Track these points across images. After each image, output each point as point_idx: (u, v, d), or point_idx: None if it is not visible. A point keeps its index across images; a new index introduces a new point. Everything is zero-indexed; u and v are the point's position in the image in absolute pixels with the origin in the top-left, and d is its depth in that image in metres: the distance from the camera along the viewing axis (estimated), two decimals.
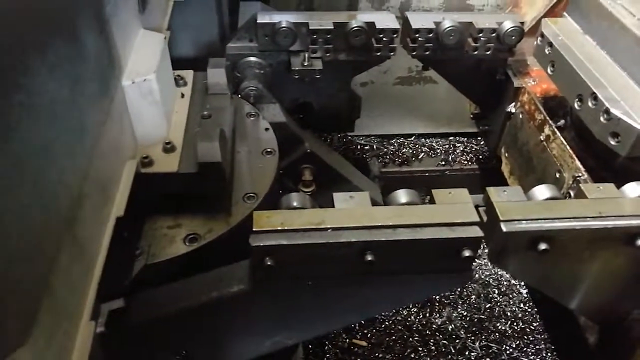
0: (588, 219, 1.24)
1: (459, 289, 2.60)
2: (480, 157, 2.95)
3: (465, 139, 3.08)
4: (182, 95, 1.67)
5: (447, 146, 3.00)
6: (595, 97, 1.54)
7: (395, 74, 2.87)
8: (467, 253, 1.20)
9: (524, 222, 1.23)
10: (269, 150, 1.77)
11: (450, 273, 1.27)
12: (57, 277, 0.87)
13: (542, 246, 1.23)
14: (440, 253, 1.22)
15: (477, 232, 1.20)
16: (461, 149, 2.99)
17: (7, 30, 0.72)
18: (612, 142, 1.48)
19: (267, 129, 1.86)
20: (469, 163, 2.94)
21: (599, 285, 1.39)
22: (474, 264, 2.66)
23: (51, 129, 0.85)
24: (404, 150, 2.98)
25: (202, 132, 1.47)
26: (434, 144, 3.03)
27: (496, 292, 2.63)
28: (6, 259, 0.69)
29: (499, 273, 2.72)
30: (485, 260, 2.70)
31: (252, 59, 2.03)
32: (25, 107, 0.75)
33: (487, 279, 2.70)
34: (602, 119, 1.50)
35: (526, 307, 2.58)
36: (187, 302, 1.31)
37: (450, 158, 2.96)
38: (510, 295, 2.63)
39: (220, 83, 1.73)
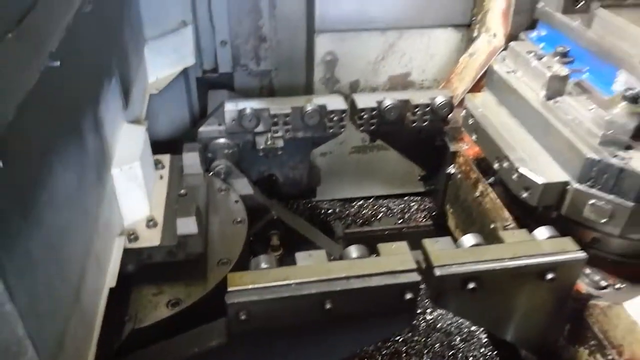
0: (506, 260, 1.50)
1: (423, 339, 2.79)
2: (434, 213, 3.23)
3: (419, 197, 3.37)
4: (161, 177, 1.92)
5: (402, 206, 3.29)
6: (508, 159, 1.86)
7: (350, 144, 3.18)
8: (409, 296, 1.44)
9: (454, 266, 1.48)
10: (239, 220, 2.01)
11: (397, 314, 1.49)
12: (68, 338, 1.06)
13: (471, 285, 1.49)
14: (387, 297, 1.45)
15: (415, 277, 1.45)
16: (415, 207, 3.28)
17: (36, 141, 0.97)
18: (525, 195, 1.78)
19: (236, 201, 2.11)
20: (424, 220, 3.22)
21: (525, 316, 1.64)
22: (427, 310, 2.90)
23: (65, 215, 1.07)
24: (364, 212, 3.25)
25: (180, 208, 1.71)
26: (390, 205, 3.30)
27: (458, 339, 2.82)
28: (36, 318, 0.89)
29: (460, 321, 2.93)
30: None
31: (221, 140, 2.30)
32: (48, 200, 0.98)
33: (449, 328, 2.90)
34: (514, 176, 1.81)
35: (486, 351, 2.78)
36: (172, 359, 1.49)
37: (406, 216, 3.24)
38: (471, 341, 2.82)
39: (194, 164, 1.99)
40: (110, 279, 1.41)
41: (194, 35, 2.59)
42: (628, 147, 1.64)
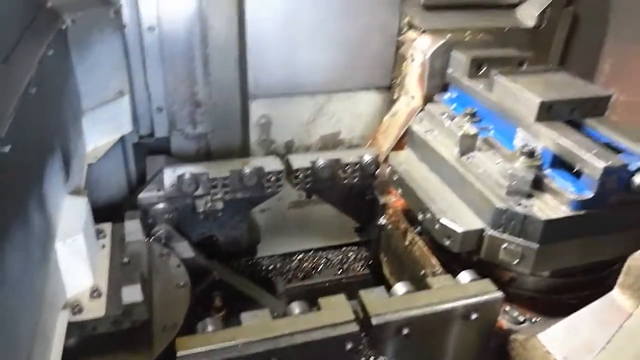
0: (434, 305, 1.66)
1: None
2: (370, 262, 3.38)
3: (356, 247, 3.50)
4: (103, 246, 1.94)
5: (341, 256, 3.40)
6: (430, 211, 2.05)
7: (288, 199, 3.29)
8: (349, 346, 1.55)
9: (388, 314, 1.61)
10: (181, 284, 2.05)
11: None
12: None
13: (405, 331, 1.62)
14: (330, 349, 1.55)
15: (354, 327, 1.57)
16: (353, 257, 3.41)
17: None
18: (447, 243, 1.96)
19: (178, 266, 2.15)
20: (361, 269, 3.35)
21: (457, 355, 1.78)
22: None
23: (13, 294, 1.11)
24: (304, 265, 3.33)
25: (125, 277, 1.74)
26: (329, 256, 3.41)
27: None
28: None
29: None
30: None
31: (161, 205, 2.36)
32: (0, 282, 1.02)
33: None
34: (437, 226, 2.00)
35: None
36: None
37: (345, 267, 3.35)
38: None
39: (136, 232, 2.04)
40: (56, 355, 1.41)
41: (130, 103, 2.67)
42: (530, 196, 1.88)
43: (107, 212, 2.23)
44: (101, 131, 2.45)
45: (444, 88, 2.68)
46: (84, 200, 1.83)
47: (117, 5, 2.49)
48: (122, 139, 2.71)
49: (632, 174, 1.78)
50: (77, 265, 1.64)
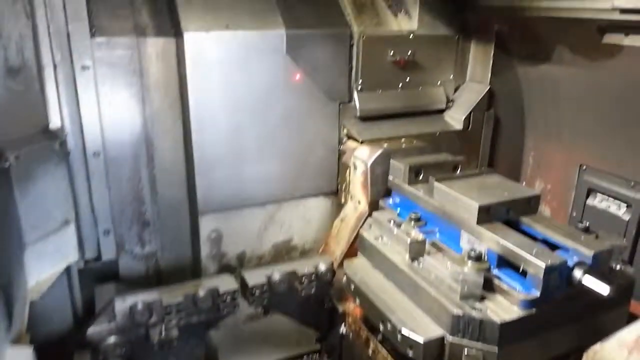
0: None
1: None
2: None
3: (318, 355, 3.40)
4: None
5: None
6: (390, 321, 2.07)
7: (243, 313, 3.21)
8: None
9: None
10: None
11: None
12: None
13: None
14: None
15: None
16: None
17: None
18: (410, 353, 1.97)
19: None
20: None
21: None
22: None
23: None
24: None
25: None
26: None
27: None
28: None
29: None
30: None
31: (112, 339, 2.24)
32: None
33: None
34: (399, 337, 2.01)
35: None
36: None
37: None
38: None
39: None
40: None
41: (75, 230, 2.61)
42: (482, 298, 1.95)
43: (52, 350, 2.09)
44: (45, 264, 2.35)
45: (388, 192, 2.81)
46: (28, 351, 1.72)
47: (62, 137, 2.50)
48: (67, 267, 2.60)
49: (571, 269, 1.90)
50: None
